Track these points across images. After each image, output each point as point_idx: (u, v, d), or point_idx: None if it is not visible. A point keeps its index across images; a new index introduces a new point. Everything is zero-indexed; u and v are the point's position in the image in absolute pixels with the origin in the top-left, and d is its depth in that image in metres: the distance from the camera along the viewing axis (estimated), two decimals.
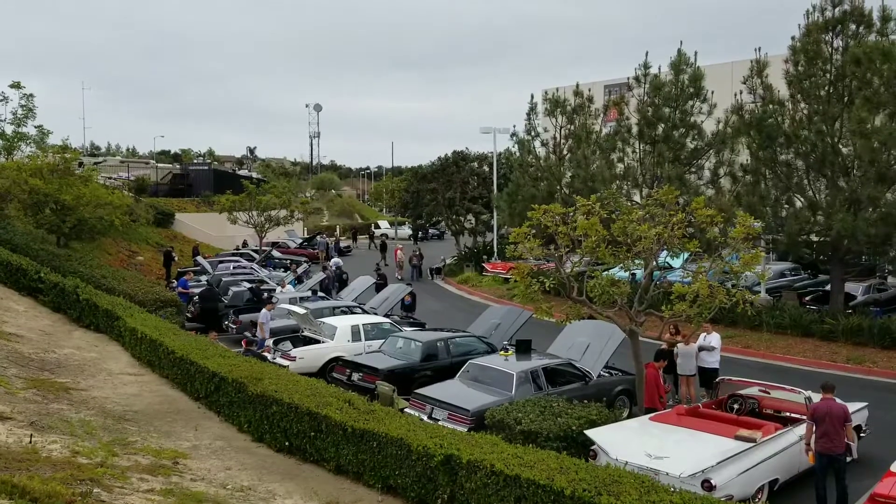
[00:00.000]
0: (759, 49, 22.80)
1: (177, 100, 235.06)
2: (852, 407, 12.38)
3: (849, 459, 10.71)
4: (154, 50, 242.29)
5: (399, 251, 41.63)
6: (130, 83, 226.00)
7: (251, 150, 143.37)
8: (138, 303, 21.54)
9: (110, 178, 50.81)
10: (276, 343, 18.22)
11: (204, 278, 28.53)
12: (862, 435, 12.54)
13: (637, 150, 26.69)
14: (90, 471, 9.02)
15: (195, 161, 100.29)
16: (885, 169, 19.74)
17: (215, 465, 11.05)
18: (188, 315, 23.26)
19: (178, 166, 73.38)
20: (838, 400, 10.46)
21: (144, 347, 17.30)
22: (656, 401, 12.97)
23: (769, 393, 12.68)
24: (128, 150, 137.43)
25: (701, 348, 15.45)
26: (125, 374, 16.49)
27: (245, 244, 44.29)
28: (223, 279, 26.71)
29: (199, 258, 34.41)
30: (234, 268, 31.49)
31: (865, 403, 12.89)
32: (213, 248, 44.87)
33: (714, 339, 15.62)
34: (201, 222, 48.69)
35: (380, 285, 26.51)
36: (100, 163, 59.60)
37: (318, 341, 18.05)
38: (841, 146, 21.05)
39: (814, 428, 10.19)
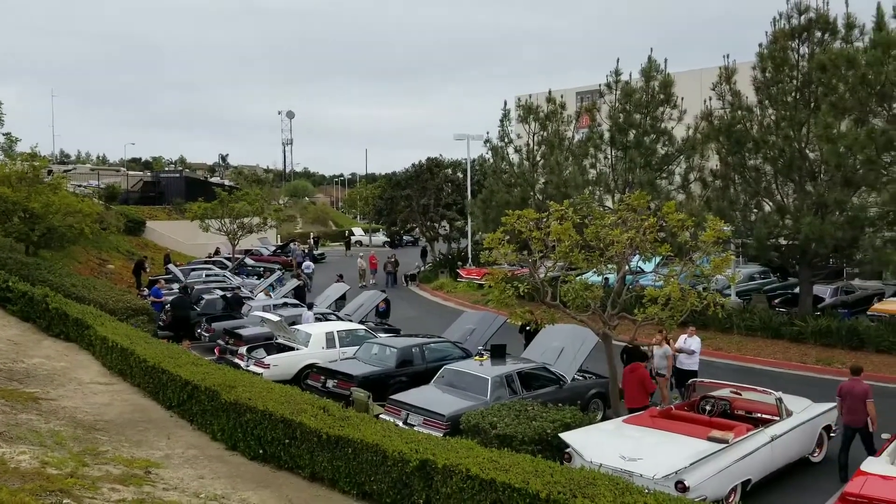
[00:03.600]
0: (728, 56, 23.19)
1: (147, 108, 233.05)
2: (822, 407, 12.63)
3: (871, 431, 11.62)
4: (124, 58, 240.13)
5: (361, 259, 41.26)
6: (101, 91, 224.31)
7: (223, 158, 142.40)
8: (109, 311, 21.28)
9: (80, 185, 50.08)
10: (249, 351, 18.09)
11: (176, 286, 28.25)
12: (832, 435, 12.74)
13: (609, 156, 26.94)
14: (60, 481, 8.88)
15: (166, 168, 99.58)
16: (850, 173, 20.11)
17: (188, 473, 10.93)
18: (160, 323, 23.02)
19: (148, 174, 72.61)
20: (863, 381, 11.69)
21: (115, 356, 17.09)
22: (643, 399, 13.11)
23: (741, 394, 12.83)
24: (98, 157, 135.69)
25: (680, 350, 15.68)
26: (96, 383, 16.27)
27: (217, 252, 43.90)
28: (195, 287, 26.47)
29: (171, 266, 34.06)
30: (206, 276, 31.21)
31: (835, 404, 13.07)
32: (184, 255, 44.43)
33: (694, 342, 15.91)
34: (173, 230, 48.21)
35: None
36: (69, 170, 58.70)
37: (292, 349, 17.95)
38: (808, 151, 21.42)
39: (840, 403, 11.76)
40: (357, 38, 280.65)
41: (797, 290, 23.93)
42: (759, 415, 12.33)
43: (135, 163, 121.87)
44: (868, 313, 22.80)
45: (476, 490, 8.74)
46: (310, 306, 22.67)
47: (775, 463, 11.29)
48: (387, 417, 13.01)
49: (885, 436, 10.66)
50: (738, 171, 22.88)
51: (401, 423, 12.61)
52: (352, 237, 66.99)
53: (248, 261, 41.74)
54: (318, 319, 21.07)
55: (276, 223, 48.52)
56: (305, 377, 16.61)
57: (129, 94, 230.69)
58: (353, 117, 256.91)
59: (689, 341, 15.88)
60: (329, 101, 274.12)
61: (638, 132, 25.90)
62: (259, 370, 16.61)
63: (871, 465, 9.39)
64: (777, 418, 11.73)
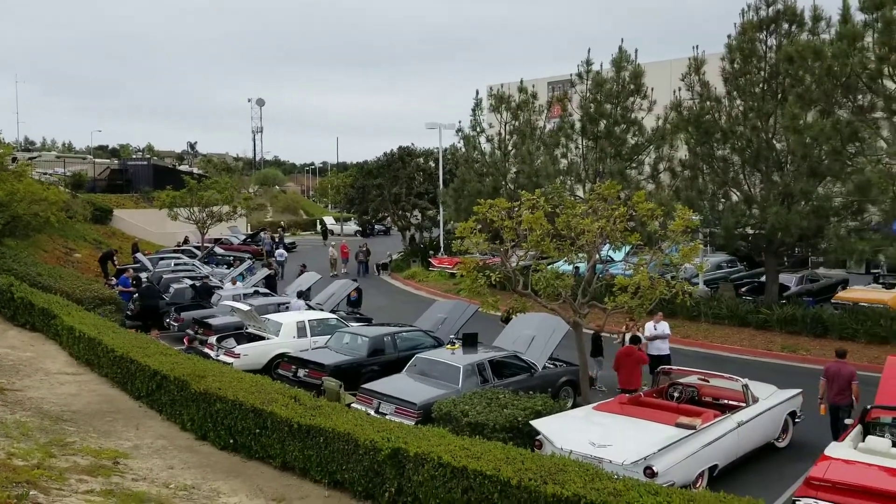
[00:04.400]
0: (697, 47, 23.44)
1: (115, 95, 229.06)
2: (787, 394, 12.88)
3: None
4: (91, 44, 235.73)
5: (332, 248, 41.08)
6: (67, 77, 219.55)
7: (192, 146, 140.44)
8: (76, 301, 20.98)
9: (45, 173, 49.19)
10: (219, 340, 17.95)
11: (144, 275, 27.92)
12: (797, 421, 12.99)
13: (580, 146, 27.08)
14: (26, 472, 8.77)
15: (134, 156, 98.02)
16: (816, 164, 20.43)
17: (157, 464, 10.85)
18: (128, 313, 22.76)
19: (116, 162, 71.38)
20: (849, 363, 12.50)
21: (83, 346, 16.87)
22: (638, 382, 13.35)
23: (708, 381, 13.02)
24: (64, 145, 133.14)
25: (655, 337, 15.99)
26: (63, 373, 16.06)
27: (186, 241, 43.42)
28: (164, 276, 26.19)
29: (139, 255, 33.62)
30: (175, 265, 30.87)
31: (800, 390, 13.35)
32: (153, 244, 43.86)
33: (664, 326, 16.26)
34: (141, 219, 47.55)
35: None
36: (34, 158, 57.52)
37: (262, 338, 17.85)
38: (775, 142, 21.73)
39: (826, 384, 12.32)
40: (328, 26, 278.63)
41: (763, 278, 24.31)
42: (725, 401, 12.52)
43: (102, 150, 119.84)
44: (832, 301, 23.26)
45: (448, 477, 8.80)
46: (299, 294, 22.51)
47: (741, 448, 11.50)
48: (358, 406, 13.00)
49: (847, 421, 10.89)
50: (707, 162, 23.15)
51: (372, 412, 12.61)
52: (329, 227, 66.69)
53: (218, 250, 41.38)
54: (309, 308, 21.00)
55: (246, 212, 48.07)
56: (276, 366, 16.54)
57: (95, 81, 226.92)
58: (324, 106, 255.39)
59: (660, 326, 16.21)
60: (300, 89, 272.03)
61: (608, 122, 26.06)
62: (229, 360, 16.49)
63: (834, 449, 9.59)
64: (743, 404, 11.93)
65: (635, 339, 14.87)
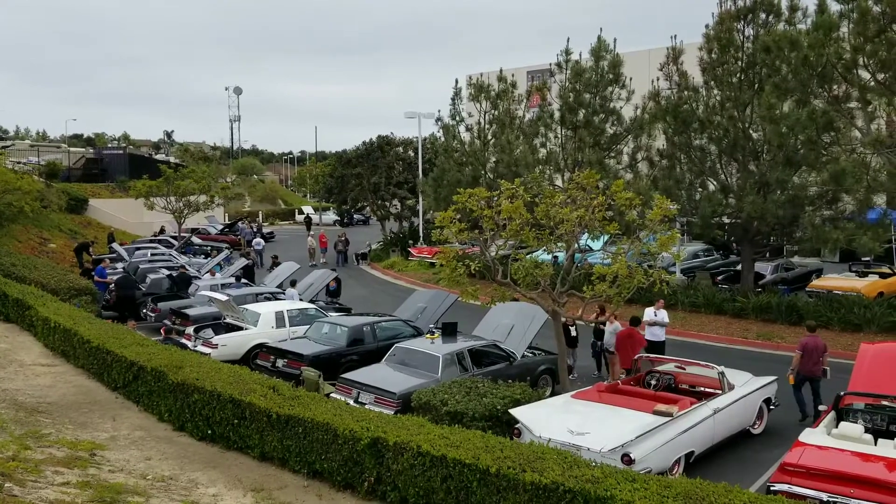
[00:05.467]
0: (675, 37, 23.50)
1: (89, 83, 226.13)
2: (762, 381, 13.04)
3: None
4: (65, 30, 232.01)
5: (310, 238, 40.94)
6: (40, 65, 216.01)
7: (168, 135, 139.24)
8: (51, 291, 20.75)
9: (19, 162, 48.56)
10: (197, 331, 17.84)
11: (120, 265, 27.66)
12: (772, 407, 13.16)
13: (559, 136, 27.13)
14: (1, 465, 8.67)
15: (109, 145, 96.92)
16: (792, 153, 20.64)
17: (135, 455, 10.78)
18: (104, 303, 22.54)
19: (91, 150, 70.57)
20: (819, 337, 13.81)
21: (58, 337, 16.69)
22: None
23: (685, 369, 13.14)
24: (38, 133, 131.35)
25: (654, 323, 16.28)
26: (38, 364, 15.88)
27: (162, 230, 43.05)
28: (140, 266, 25.95)
29: (115, 245, 33.29)
30: (151, 255, 30.60)
31: (775, 377, 13.52)
32: (129, 234, 43.46)
33: (663, 314, 16.58)
34: (117, 208, 47.04)
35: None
36: (7, 147, 56.82)
37: (240, 328, 17.75)
38: (751, 131, 21.89)
39: (800, 356, 13.47)
40: (307, 14, 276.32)
41: (739, 267, 24.55)
42: (702, 389, 12.65)
43: (76, 139, 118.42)
44: (807, 289, 23.55)
45: (427, 466, 8.82)
46: (293, 283, 22.37)
47: (717, 435, 11.63)
48: (338, 396, 12.99)
49: (821, 407, 11.05)
50: (684, 151, 23.28)
51: (352, 402, 12.60)
52: (311, 216, 66.44)
53: (195, 240, 41.09)
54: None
55: (224, 201, 47.73)
56: (254, 357, 16.47)
57: (70, 69, 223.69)
58: (302, 94, 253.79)
59: (660, 313, 16.50)
60: (278, 77, 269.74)
61: (587, 112, 26.12)
62: (207, 350, 16.41)
63: (808, 436, 9.73)
64: (719, 392, 12.07)
65: (636, 321, 15.21)
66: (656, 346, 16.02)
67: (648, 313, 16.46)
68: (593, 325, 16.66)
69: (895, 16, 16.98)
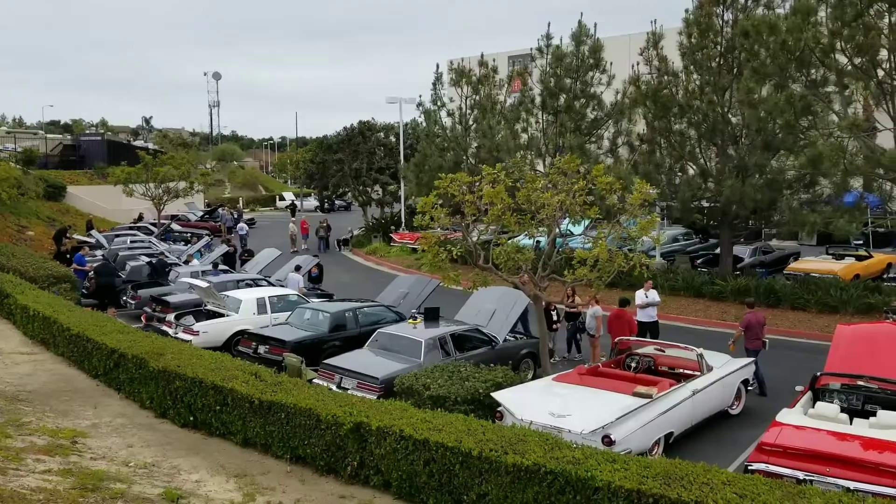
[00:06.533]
0: (655, 22, 23.51)
1: (66, 69, 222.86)
2: (740, 362, 13.22)
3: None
4: (40, 15, 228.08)
5: (292, 224, 40.78)
6: (16, 49, 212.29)
7: (147, 121, 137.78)
8: (30, 279, 20.56)
9: None
10: (178, 318, 17.76)
11: (99, 253, 27.44)
12: (749, 388, 13.35)
13: (540, 121, 27.16)
14: None
15: (87, 132, 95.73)
16: (770, 137, 20.80)
17: (116, 442, 10.76)
18: (84, 291, 22.36)
19: (68, 137, 69.77)
20: (759, 312, 14.72)
21: (37, 325, 16.57)
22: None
23: (664, 351, 13.30)
24: (14, 120, 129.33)
25: (647, 304, 16.55)
26: (17, 353, 15.77)
27: (141, 217, 42.70)
28: (120, 253, 25.75)
29: (94, 232, 32.99)
30: (131, 242, 30.36)
31: (752, 359, 13.70)
32: (108, 221, 43.04)
33: (654, 294, 16.90)
34: (95, 195, 46.57)
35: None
36: None
37: (222, 315, 17.70)
38: (730, 116, 22.04)
39: (743, 332, 14.38)
40: None
41: (718, 250, 24.76)
42: (681, 370, 12.81)
43: (54, 125, 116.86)
44: (784, 272, 23.79)
45: (410, 450, 8.88)
46: (297, 269, 22.31)
47: (696, 416, 11.79)
48: (320, 382, 13.02)
49: (798, 388, 11.20)
50: (664, 136, 23.39)
51: (334, 388, 12.63)
52: (294, 203, 66.17)
53: (175, 226, 40.79)
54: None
55: (203, 188, 47.37)
56: (236, 343, 16.44)
57: (46, 54, 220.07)
58: (282, 80, 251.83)
59: (651, 294, 16.75)
60: (258, 63, 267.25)
61: (568, 97, 26.16)
62: (188, 337, 16.35)
63: (785, 416, 9.89)
64: (698, 373, 12.22)
65: (624, 302, 15.52)
66: (651, 327, 16.43)
67: (640, 296, 16.66)
68: (564, 308, 16.82)
69: (872, 0, 17.11)
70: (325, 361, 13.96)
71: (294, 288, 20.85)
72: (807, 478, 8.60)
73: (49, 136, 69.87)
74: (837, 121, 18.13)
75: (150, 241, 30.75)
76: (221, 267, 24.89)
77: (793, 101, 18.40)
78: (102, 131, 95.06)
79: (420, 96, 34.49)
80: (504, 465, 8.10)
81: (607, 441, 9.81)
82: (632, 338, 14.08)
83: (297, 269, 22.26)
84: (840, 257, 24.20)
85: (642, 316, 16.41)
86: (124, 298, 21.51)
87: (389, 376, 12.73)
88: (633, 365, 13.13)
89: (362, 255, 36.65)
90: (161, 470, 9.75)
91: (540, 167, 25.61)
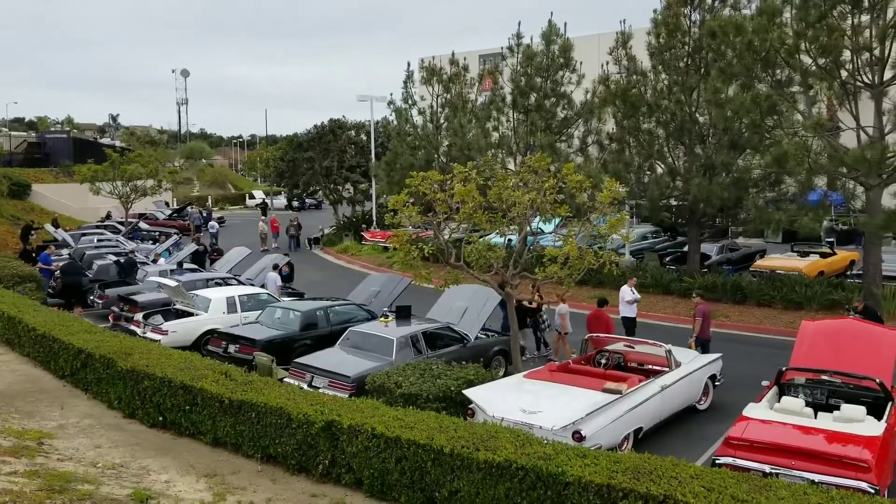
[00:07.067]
0: (624, 21, 23.75)
1: (31, 65, 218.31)
2: (708, 358, 13.42)
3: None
4: (4, 10, 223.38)
5: (262, 222, 40.52)
6: None
7: (114, 118, 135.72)
8: None
9: None
10: (146, 317, 17.56)
11: (66, 252, 27.01)
12: (717, 384, 13.54)
13: (511, 119, 27.26)
14: None
15: (52, 129, 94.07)
16: (737, 137, 21.11)
17: (84, 443, 10.62)
18: (50, 290, 22.02)
19: (33, 135, 68.56)
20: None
21: (2, 325, 16.33)
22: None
23: (633, 347, 13.45)
24: None
25: (635, 301, 16.91)
26: None
27: (109, 216, 42.11)
28: (87, 252, 25.38)
29: (60, 230, 32.44)
30: (98, 241, 29.94)
31: (720, 354, 13.91)
32: (74, 220, 42.38)
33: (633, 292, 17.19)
34: (61, 193, 45.85)
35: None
36: None
37: (191, 314, 17.53)
38: (698, 115, 22.34)
39: (701, 323, 15.08)
40: None
41: (686, 248, 25.08)
42: (650, 366, 12.96)
43: (18, 123, 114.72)
44: (751, 269, 24.19)
45: (382, 448, 8.88)
46: (275, 267, 22.10)
47: (665, 411, 11.94)
48: (291, 381, 12.96)
49: (764, 382, 11.38)
50: (633, 135, 23.62)
51: (305, 386, 12.58)
52: (266, 202, 65.65)
53: (143, 225, 40.30)
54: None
55: (172, 186, 46.84)
56: (206, 343, 16.30)
57: (10, 50, 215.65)
58: (252, 77, 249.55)
59: (634, 290, 17.07)
60: (227, 60, 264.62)
61: (539, 96, 26.29)
62: (157, 337, 16.17)
63: (752, 410, 10.05)
64: (667, 369, 12.38)
65: (602, 302, 15.82)
66: (632, 322, 16.82)
67: (627, 292, 16.93)
68: (526, 303, 16.92)
69: (835, 2, 17.43)
70: (296, 360, 13.90)
71: (273, 286, 20.73)
72: (773, 471, 8.76)
73: (13, 133, 68.64)
74: (802, 120, 18.44)
75: (117, 240, 30.35)
76: (187, 266, 24.60)
77: (758, 101, 18.69)
78: (68, 129, 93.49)
79: (391, 95, 34.42)
80: (476, 462, 8.14)
81: (578, 436, 9.90)
82: (602, 335, 14.21)
83: (276, 267, 22.11)
84: (805, 255, 24.64)
85: (628, 312, 16.77)
86: (91, 298, 21.22)
87: (361, 375, 12.71)
88: (604, 361, 13.26)
89: (333, 253, 36.51)
90: (129, 470, 9.64)
91: (511, 166, 25.69)
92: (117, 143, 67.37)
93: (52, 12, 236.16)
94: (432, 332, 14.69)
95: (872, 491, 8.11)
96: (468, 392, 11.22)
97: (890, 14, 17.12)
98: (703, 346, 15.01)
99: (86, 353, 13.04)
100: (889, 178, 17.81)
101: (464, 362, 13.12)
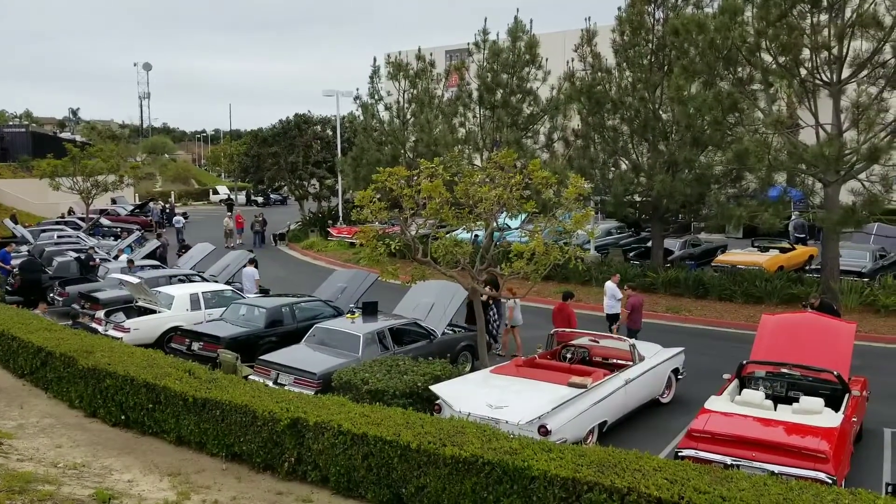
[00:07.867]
0: (589, 19, 23.95)
1: None
2: (671, 352, 13.59)
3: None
4: None
5: (227, 218, 40.16)
6: None
7: (74, 112, 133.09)
8: None
9: None
10: (108, 315, 17.29)
11: (25, 248, 26.49)
12: (679, 377, 13.74)
13: (477, 115, 27.31)
14: None
15: (10, 123, 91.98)
16: (699, 133, 21.39)
17: (44, 443, 10.44)
18: (8, 288, 21.57)
19: None
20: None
21: None
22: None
23: (598, 342, 13.58)
24: None
25: (617, 298, 17.20)
26: None
27: (72, 211, 41.36)
28: (46, 249, 24.91)
29: (18, 226, 31.79)
30: (58, 237, 29.39)
31: (682, 348, 14.09)
32: (33, 216, 41.55)
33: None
34: (19, 189, 44.93)
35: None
36: None
37: (154, 311, 17.30)
38: (661, 112, 22.61)
39: (629, 314, 15.95)
40: None
41: (650, 243, 25.38)
42: (614, 360, 13.10)
43: None
44: (713, 264, 24.56)
45: (348, 444, 8.88)
46: (251, 261, 21.83)
47: (629, 405, 12.08)
48: (256, 378, 12.86)
49: (725, 376, 11.57)
50: (598, 131, 23.83)
51: (271, 384, 12.50)
52: (231, 198, 64.99)
53: (104, 221, 39.65)
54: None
55: (134, 181, 46.14)
56: (169, 341, 16.10)
57: None
58: (216, 71, 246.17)
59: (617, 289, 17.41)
60: (190, 53, 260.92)
61: (505, 92, 26.36)
62: (119, 334, 15.94)
63: (713, 403, 10.22)
64: (631, 363, 12.52)
65: (567, 296, 16.12)
66: (614, 318, 17.16)
67: (614, 289, 17.25)
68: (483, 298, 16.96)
69: (795, 1, 17.75)
70: (262, 357, 13.79)
71: (250, 282, 20.56)
72: (734, 462, 8.91)
73: None
74: (762, 118, 18.75)
75: (78, 236, 29.83)
76: (146, 263, 24.15)
77: (720, 99, 18.97)
78: (27, 122, 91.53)
79: (357, 90, 34.27)
80: (442, 458, 8.17)
81: (543, 431, 9.97)
82: (568, 329, 14.33)
83: (253, 262, 21.87)
84: (765, 249, 25.07)
85: (614, 308, 17.10)
86: (51, 295, 20.84)
87: (327, 371, 12.66)
88: (569, 356, 13.38)
89: (299, 249, 36.28)
90: (92, 470, 9.51)
91: (477, 161, 25.76)
92: (77, 138, 66.11)
93: (6, 4, 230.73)
94: (399, 328, 14.68)
95: (830, 481, 8.30)
96: (435, 388, 11.24)
97: (848, 14, 17.47)
98: (632, 335, 15.31)
99: (45, 351, 12.83)
100: (847, 175, 18.19)
101: (430, 358, 13.13)
